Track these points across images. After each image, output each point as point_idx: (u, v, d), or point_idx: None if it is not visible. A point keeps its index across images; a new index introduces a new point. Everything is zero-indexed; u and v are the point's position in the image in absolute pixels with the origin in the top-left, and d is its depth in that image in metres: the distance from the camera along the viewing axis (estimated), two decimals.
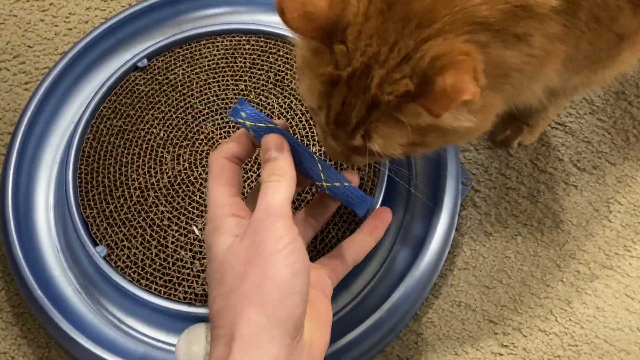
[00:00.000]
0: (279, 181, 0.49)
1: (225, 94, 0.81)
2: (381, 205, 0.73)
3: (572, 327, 0.73)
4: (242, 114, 0.55)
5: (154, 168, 0.77)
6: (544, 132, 0.83)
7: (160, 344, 0.71)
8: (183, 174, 0.76)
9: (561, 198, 0.80)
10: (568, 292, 0.75)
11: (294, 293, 0.45)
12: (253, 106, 0.57)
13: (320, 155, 0.75)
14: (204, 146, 0.78)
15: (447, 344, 0.73)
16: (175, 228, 0.73)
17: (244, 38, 0.84)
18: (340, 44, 0.46)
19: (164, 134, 0.79)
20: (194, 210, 0.74)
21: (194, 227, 0.73)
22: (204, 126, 0.79)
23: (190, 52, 0.84)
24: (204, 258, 0.72)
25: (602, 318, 0.74)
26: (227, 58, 0.83)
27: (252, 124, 0.54)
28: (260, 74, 0.81)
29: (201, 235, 0.73)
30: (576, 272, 0.76)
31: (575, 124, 0.84)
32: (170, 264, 0.71)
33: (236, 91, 0.81)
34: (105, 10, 0.96)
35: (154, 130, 0.79)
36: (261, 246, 0.46)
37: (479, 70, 0.44)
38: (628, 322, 0.73)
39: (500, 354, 0.72)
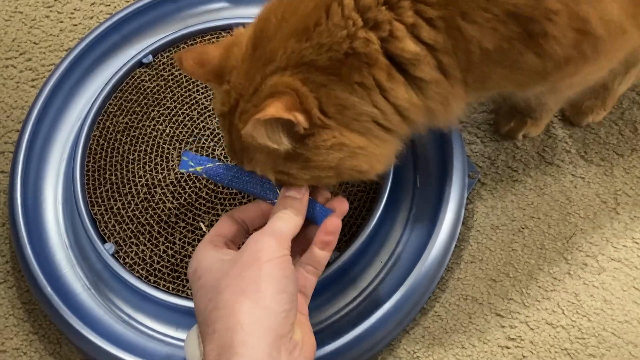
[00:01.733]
0: (292, 215, 0.55)
1: None
2: (387, 200, 0.73)
3: (580, 320, 0.73)
4: (190, 162, 0.61)
5: (161, 165, 0.77)
6: (550, 123, 0.83)
7: (169, 340, 0.71)
8: None
9: (568, 190, 0.80)
10: (575, 284, 0.75)
11: (285, 291, 0.50)
12: (196, 153, 0.63)
13: None
14: (210, 142, 0.78)
15: (454, 337, 0.73)
16: (183, 225, 0.73)
17: None
18: (225, 84, 0.55)
19: (170, 131, 0.79)
20: (201, 207, 0.74)
21: (201, 224, 0.73)
22: (209, 122, 0.79)
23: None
24: None
25: (610, 311, 0.73)
26: None
27: (202, 167, 0.60)
28: None
29: (208, 231, 0.73)
30: (583, 264, 0.76)
31: None
32: (179, 260, 0.72)
33: None
34: (109, 5, 0.96)
35: (160, 127, 0.79)
36: (257, 254, 0.51)
37: (309, 104, 0.51)
38: (636, 314, 0.73)
39: (507, 347, 0.72)
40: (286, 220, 0.55)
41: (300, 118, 0.49)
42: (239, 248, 0.54)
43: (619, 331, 0.72)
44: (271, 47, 0.52)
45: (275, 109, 0.48)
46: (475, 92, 0.57)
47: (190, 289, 0.67)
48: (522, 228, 0.78)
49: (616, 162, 0.81)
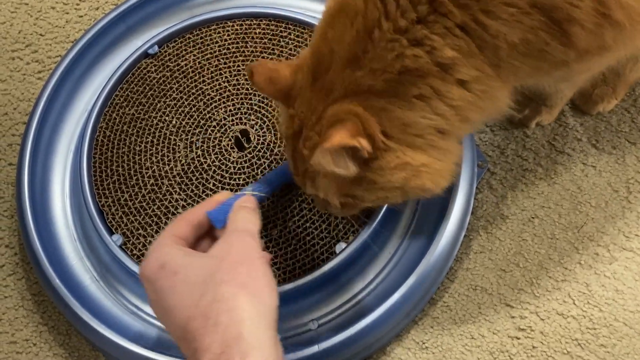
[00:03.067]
0: (252, 219, 0.57)
1: (237, 80, 0.80)
2: None
3: (591, 310, 0.72)
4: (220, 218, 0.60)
5: (167, 156, 0.77)
6: (561, 111, 0.82)
7: None
8: (196, 162, 0.76)
9: (579, 179, 0.79)
10: (586, 274, 0.74)
11: (275, 289, 0.52)
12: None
13: None
14: (216, 133, 0.77)
15: (463, 327, 0.72)
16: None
17: (254, 22, 0.83)
18: (291, 109, 0.57)
19: (176, 122, 0.78)
20: (208, 198, 0.74)
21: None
22: (215, 113, 0.78)
23: (201, 38, 0.83)
24: None
25: (622, 301, 0.73)
26: (237, 43, 0.82)
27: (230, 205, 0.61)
28: (272, 59, 0.80)
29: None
30: (595, 254, 0.75)
31: None
32: None
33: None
34: None
35: (167, 118, 0.79)
36: (248, 251, 0.53)
37: (371, 128, 0.53)
38: None
39: (517, 338, 0.72)
40: (254, 223, 0.57)
41: (364, 143, 0.52)
42: (192, 248, 0.56)
43: (630, 321, 0.71)
44: (329, 79, 0.55)
45: (340, 137, 0.51)
46: (512, 83, 0.59)
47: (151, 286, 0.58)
48: (532, 218, 0.77)
49: (628, 151, 0.80)
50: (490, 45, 0.53)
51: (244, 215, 0.57)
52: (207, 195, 0.74)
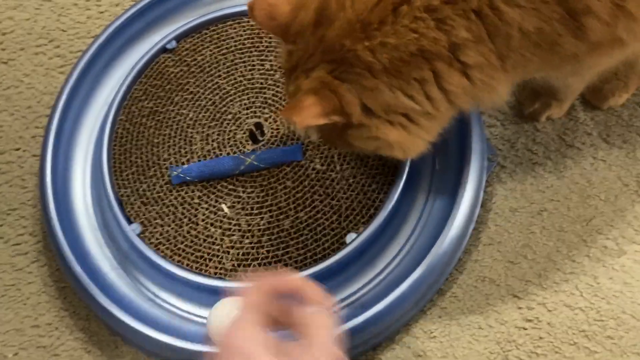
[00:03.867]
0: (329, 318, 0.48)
1: (252, 74, 0.82)
2: (405, 183, 0.74)
3: (598, 303, 0.73)
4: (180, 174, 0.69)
5: (184, 148, 0.79)
6: (572, 105, 0.82)
7: (192, 317, 0.74)
8: (212, 154, 0.78)
9: (589, 173, 0.79)
10: (594, 267, 0.75)
11: None
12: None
13: None
14: (231, 126, 0.79)
15: (471, 318, 0.74)
16: (205, 206, 0.75)
17: None
18: (290, 44, 0.58)
19: (193, 115, 0.81)
20: (223, 189, 0.76)
21: (223, 205, 0.75)
22: (231, 106, 0.81)
23: (218, 33, 0.85)
24: (232, 235, 0.74)
25: (630, 294, 0.73)
26: (253, 38, 0.84)
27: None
28: None
29: (229, 212, 0.75)
30: (603, 247, 0.76)
31: None
32: (201, 240, 0.74)
33: (262, 71, 0.82)
34: None
35: (184, 112, 0.81)
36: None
37: (350, 106, 0.54)
38: None
39: (525, 328, 0.73)
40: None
41: (336, 118, 0.55)
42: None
43: (638, 314, 0.72)
44: (330, 36, 0.54)
45: (310, 114, 0.53)
46: (515, 77, 0.59)
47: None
48: (541, 211, 0.78)
49: (639, 145, 0.80)
50: (502, 33, 0.53)
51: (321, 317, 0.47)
52: (222, 186, 0.76)
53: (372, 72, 0.54)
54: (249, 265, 0.73)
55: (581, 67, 0.65)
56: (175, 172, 0.75)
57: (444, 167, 0.79)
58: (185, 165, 0.77)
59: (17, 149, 0.89)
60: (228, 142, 0.78)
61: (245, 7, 0.85)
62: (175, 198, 0.76)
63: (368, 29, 0.53)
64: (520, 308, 0.74)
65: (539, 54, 0.56)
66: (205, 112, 0.81)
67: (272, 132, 0.78)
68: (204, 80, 0.83)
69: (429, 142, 0.62)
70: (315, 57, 0.56)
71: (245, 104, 0.80)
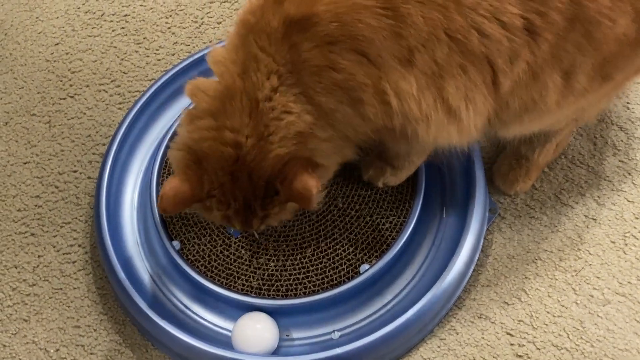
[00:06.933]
0: None
1: None
2: (415, 226, 0.84)
3: (583, 345, 0.81)
4: None
5: None
6: (567, 168, 0.92)
7: (218, 329, 0.83)
8: None
9: (580, 229, 0.89)
10: (581, 313, 0.83)
11: None
12: None
13: None
14: None
15: (467, 349, 0.82)
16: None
17: None
18: (211, 200, 0.70)
19: None
20: None
21: (255, 232, 0.86)
22: None
23: None
24: (260, 257, 0.84)
25: (612, 339, 0.81)
26: None
27: None
28: None
29: (259, 238, 0.85)
30: (590, 296, 0.84)
31: (598, 165, 0.93)
32: (232, 260, 0.84)
33: None
34: (189, 45, 1.12)
35: None
36: None
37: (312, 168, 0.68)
38: (636, 344, 0.80)
39: None
40: None
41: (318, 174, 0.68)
42: None
43: (618, 358, 0.80)
44: (248, 181, 0.68)
45: (313, 182, 0.65)
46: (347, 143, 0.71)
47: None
48: (536, 259, 0.87)
49: (627, 208, 0.90)
50: (321, 111, 0.66)
51: None
52: None
53: (295, 155, 0.67)
54: (273, 285, 0.82)
55: (399, 145, 0.78)
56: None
57: (450, 215, 0.89)
58: None
59: (75, 171, 1.01)
60: None
61: None
62: (212, 222, 0.87)
63: (266, 139, 0.66)
64: (512, 345, 0.82)
65: (349, 126, 0.68)
66: None
67: None
68: None
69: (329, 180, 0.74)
70: (257, 185, 0.68)
71: None
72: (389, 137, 0.72)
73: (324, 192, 0.72)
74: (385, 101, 0.65)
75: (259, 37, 0.65)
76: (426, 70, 0.63)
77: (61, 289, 0.91)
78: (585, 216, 0.90)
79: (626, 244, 0.87)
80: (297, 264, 0.83)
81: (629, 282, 0.84)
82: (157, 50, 1.13)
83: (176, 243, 0.86)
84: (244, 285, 0.82)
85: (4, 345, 0.87)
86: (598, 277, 0.85)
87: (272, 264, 0.84)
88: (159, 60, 1.12)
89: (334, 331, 0.82)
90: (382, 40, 0.62)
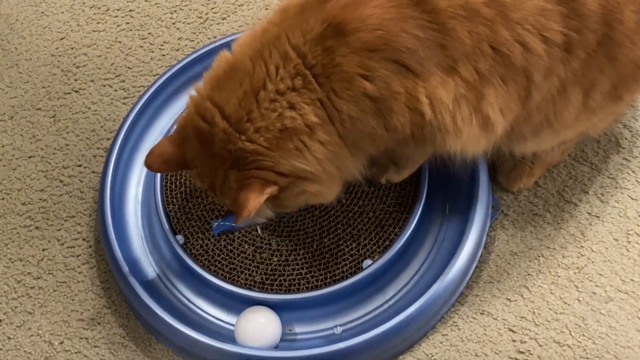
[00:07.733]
0: None
1: None
2: (418, 222, 0.84)
3: (585, 342, 0.81)
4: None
5: None
6: (571, 165, 0.92)
7: (220, 323, 0.83)
8: None
9: (583, 226, 0.89)
10: (583, 310, 0.83)
11: None
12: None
13: None
14: None
15: (469, 345, 0.82)
16: (241, 226, 0.86)
17: None
18: (195, 169, 0.69)
19: None
20: None
21: (257, 227, 0.86)
22: None
23: None
24: (263, 252, 0.84)
25: (614, 336, 0.81)
26: None
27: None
28: None
29: (262, 233, 0.86)
30: (592, 293, 0.84)
31: (602, 162, 0.93)
32: (235, 254, 0.84)
33: None
34: (194, 40, 1.13)
35: None
36: None
37: (272, 178, 0.65)
38: (638, 341, 0.80)
39: (517, 359, 0.81)
40: None
41: (271, 190, 0.65)
42: None
43: (620, 355, 0.80)
44: (217, 150, 0.65)
45: (253, 200, 0.64)
46: (358, 152, 0.70)
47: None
48: (538, 256, 0.87)
49: (630, 205, 0.90)
50: (336, 117, 0.65)
51: None
52: None
53: (261, 153, 0.65)
54: (276, 279, 0.83)
55: (415, 150, 0.77)
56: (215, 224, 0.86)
57: (453, 212, 0.89)
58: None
59: (79, 165, 1.01)
60: None
61: None
62: (217, 217, 0.87)
63: (240, 125, 0.64)
64: (514, 341, 0.82)
65: (367, 136, 0.67)
66: None
67: None
68: None
69: (338, 190, 0.72)
70: (219, 169, 0.66)
71: None
72: (404, 145, 0.71)
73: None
74: (418, 110, 0.64)
75: (292, 33, 0.64)
76: (468, 78, 0.64)
77: (65, 282, 0.91)
78: (589, 213, 0.90)
79: (629, 242, 0.87)
80: (300, 259, 0.84)
81: (631, 280, 0.85)
82: (161, 45, 1.13)
83: (180, 237, 0.86)
84: (247, 279, 0.83)
85: (9, 338, 0.88)
86: (601, 275, 0.85)
87: (275, 259, 0.84)
88: (164, 55, 1.12)
89: (336, 326, 0.82)
90: (425, 51, 0.62)
